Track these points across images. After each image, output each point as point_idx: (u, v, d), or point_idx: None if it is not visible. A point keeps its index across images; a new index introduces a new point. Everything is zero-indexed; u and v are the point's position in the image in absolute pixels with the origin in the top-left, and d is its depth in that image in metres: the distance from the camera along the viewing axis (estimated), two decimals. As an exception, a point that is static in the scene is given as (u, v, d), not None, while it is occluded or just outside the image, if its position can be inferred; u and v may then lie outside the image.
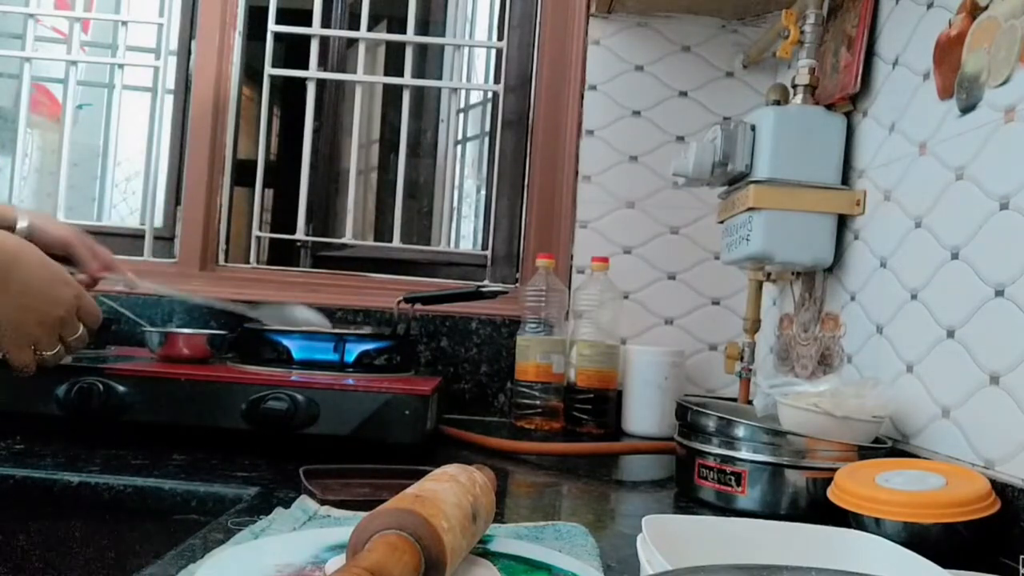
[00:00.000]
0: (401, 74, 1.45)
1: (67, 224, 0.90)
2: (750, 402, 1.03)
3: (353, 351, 1.04)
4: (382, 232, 1.70)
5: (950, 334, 0.77)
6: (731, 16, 1.36)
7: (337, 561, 0.48)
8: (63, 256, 0.84)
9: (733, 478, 0.77)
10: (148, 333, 1.05)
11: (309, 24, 1.44)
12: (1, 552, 0.74)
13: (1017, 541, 0.63)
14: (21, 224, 0.79)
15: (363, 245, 1.51)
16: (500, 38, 1.48)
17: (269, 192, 2.17)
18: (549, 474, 0.94)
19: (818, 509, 0.72)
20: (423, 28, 1.62)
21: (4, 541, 0.74)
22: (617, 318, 1.28)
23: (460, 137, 1.69)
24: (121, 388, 0.89)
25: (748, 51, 1.36)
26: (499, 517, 0.63)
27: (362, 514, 0.45)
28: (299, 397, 0.88)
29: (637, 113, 1.38)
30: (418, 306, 1.18)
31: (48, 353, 0.67)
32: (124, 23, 1.46)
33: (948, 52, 0.81)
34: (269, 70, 1.44)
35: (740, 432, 0.78)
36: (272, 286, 1.37)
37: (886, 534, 0.61)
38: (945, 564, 0.47)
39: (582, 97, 1.38)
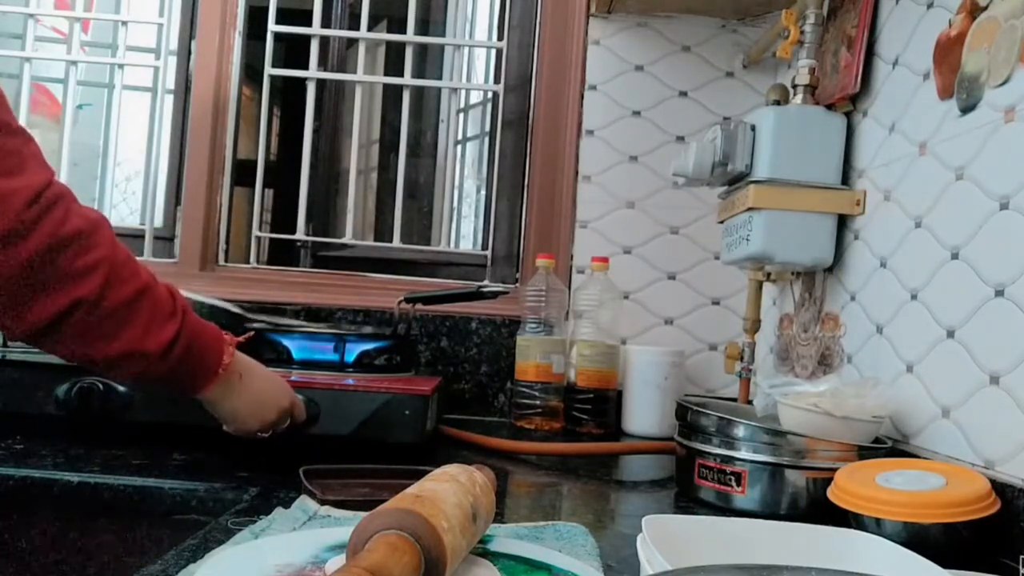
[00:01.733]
0: (401, 74, 1.45)
1: None
2: (750, 402, 1.03)
3: (353, 351, 1.04)
4: (382, 232, 1.70)
5: (950, 334, 0.77)
6: (731, 16, 1.36)
7: (337, 561, 0.48)
8: None
9: (733, 478, 0.77)
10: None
11: (309, 24, 1.44)
12: (2, 552, 0.74)
13: (1017, 541, 0.63)
14: None
15: (363, 245, 1.51)
16: (500, 38, 1.48)
17: (269, 192, 2.17)
18: (549, 474, 0.94)
19: (818, 509, 0.72)
20: (423, 28, 1.62)
21: (5, 541, 0.74)
22: (617, 318, 1.28)
23: (460, 137, 1.68)
24: (121, 388, 0.88)
25: (748, 51, 1.36)
26: (499, 517, 0.63)
27: (362, 514, 0.45)
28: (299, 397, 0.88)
29: (637, 113, 1.38)
30: (418, 306, 1.18)
31: (263, 435, 0.81)
32: (124, 23, 1.46)
33: (948, 52, 0.81)
34: (269, 70, 1.44)
35: (740, 432, 0.78)
36: (272, 286, 1.37)
37: (886, 534, 0.61)
38: (945, 564, 0.47)
39: (582, 97, 1.38)
